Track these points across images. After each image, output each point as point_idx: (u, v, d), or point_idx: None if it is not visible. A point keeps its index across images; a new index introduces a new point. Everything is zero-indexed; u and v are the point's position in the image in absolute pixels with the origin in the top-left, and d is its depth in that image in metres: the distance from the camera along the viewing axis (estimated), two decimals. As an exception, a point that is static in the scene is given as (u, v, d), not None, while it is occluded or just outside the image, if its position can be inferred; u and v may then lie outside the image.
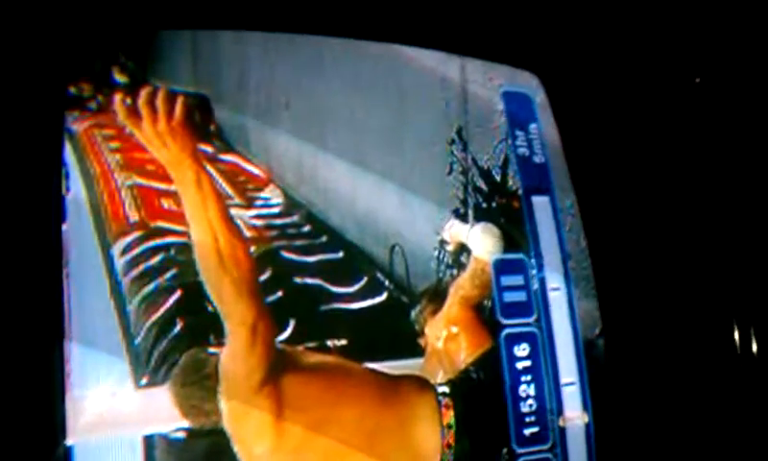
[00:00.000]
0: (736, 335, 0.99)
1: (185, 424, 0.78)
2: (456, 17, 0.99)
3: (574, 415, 0.91)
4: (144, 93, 0.83)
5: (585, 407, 0.92)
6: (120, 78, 0.85)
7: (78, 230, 0.80)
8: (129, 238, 0.83)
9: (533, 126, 0.99)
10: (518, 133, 0.98)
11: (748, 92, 1.05)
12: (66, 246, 0.78)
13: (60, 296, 0.77)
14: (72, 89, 0.83)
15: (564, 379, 0.91)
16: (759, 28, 1.05)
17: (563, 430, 0.90)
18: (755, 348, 0.99)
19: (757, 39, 1.05)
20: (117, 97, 0.83)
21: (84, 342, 0.78)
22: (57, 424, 0.75)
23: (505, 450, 0.87)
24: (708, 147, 1.04)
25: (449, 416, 0.85)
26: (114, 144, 0.86)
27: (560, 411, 0.90)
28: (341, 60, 0.93)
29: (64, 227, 0.79)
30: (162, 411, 0.79)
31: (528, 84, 1.02)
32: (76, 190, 0.82)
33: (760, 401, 0.97)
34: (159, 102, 0.83)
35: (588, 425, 0.91)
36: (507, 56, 1.02)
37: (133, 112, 0.83)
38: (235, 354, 0.80)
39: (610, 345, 0.95)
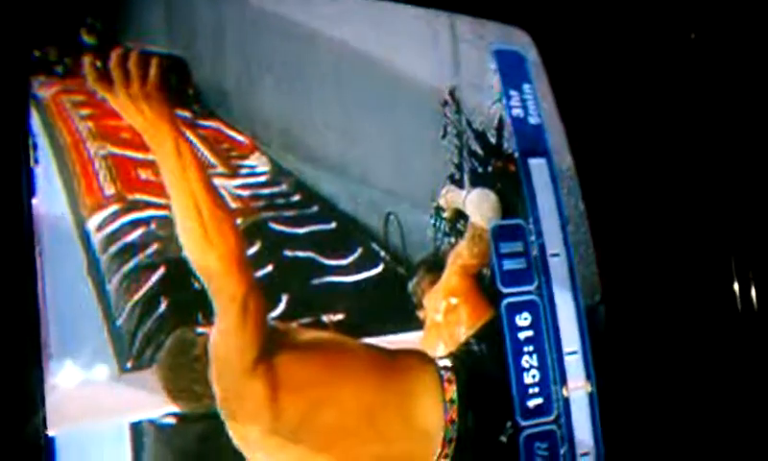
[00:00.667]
0: (738, 298, 0.97)
1: (175, 408, 0.74)
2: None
3: (577, 384, 0.88)
4: (115, 55, 0.77)
5: (588, 376, 0.89)
6: (88, 39, 0.79)
7: (49, 205, 0.74)
8: (105, 212, 0.77)
9: (527, 85, 0.95)
10: (512, 93, 0.94)
11: (742, 48, 1.02)
12: (38, 223, 0.72)
13: (33, 278, 0.71)
14: (36, 53, 0.77)
15: (566, 348, 0.88)
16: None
17: (566, 401, 0.87)
18: (756, 308, 0.97)
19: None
20: (86, 60, 0.76)
21: (62, 326, 0.72)
22: (36, 416, 0.69)
23: (509, 424, 0.84)
24: (704, 104, 1.01)
25: (452, 391, 0.82)
26: (85, 111, 0.80)
27: (563, 381, 0.87)
28: (328, 18, 0.87)
29: (35, 201, 0.73)
30: (150, 396, 0.74)
31: (520, 41, 0.98)
32: (45, 162, 0.76)
33: (762, 363, 0.96)
34: (132, 64, 0.77)
35: (591, 395, 0.89)
36: (496, 12, 0.98)
37: (104, 76, 0.77)
38: (226, 333, 0.75)
39: (610, 311, 0.92)
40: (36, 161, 0.75)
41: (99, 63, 0.77)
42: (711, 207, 0.98)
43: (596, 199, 0.94)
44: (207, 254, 0.76)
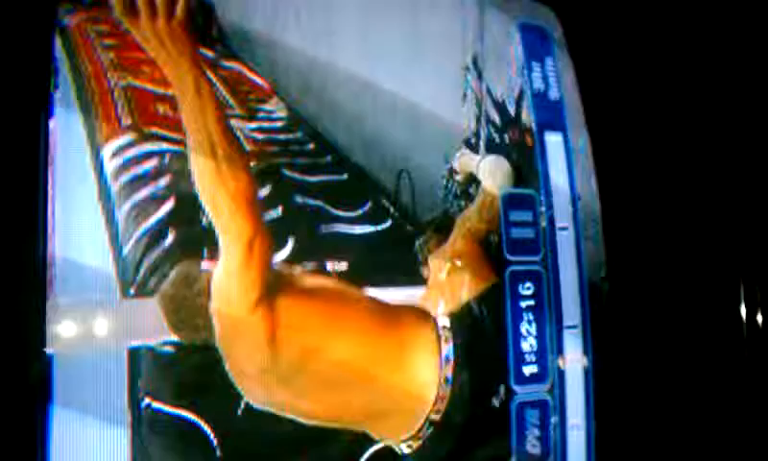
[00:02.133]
0: (741, 293, 0.97)
1: (174, 338, 0.74)
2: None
3: (574, 358, 0.88)
4: (144, -13, 0.77)
5: (585, 352, 0.89)
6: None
7: (66, 129, 0.75)
8: (120, 141, 0.78)
9: (549, 60, 0.95)
10: (535, 65, 0.94)
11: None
12: (53, 144, 0.73)
13: (44, 197, 0.72)
14: (63, -20, 0.78)
15: (566, 322, 0.89)
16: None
17: (562, 373, 0.88)
18: (759, 297, 0.96)
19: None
20: None
21: (69, 247, 0.73)
22: (37, 332, 0.70)
23: (503, 388, 0.84)
24: (724, 91, 1.00)
25: (448, 349, 0.82)
26: (109, 41, 0.81)
27: (560, 353, 0.88)
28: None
29: (51, 123, 0.74)
30: (150, 324, 0.75)
31: (545, 17, 0.98)
32: (65, 87, 0.77)
33: (760, 354, 0.95)
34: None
35: (587, 370, 0.89)
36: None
37: (131, 8, 0.77)
38: (230, 272, 0.76)
39: (614, 290, 0.92)
40: (56, 86, 0.76)
41: None
42: (723, 197, 0.98)
43: (609, 179, 0.94)
44: (218, 192, 0.77)
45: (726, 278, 0.96)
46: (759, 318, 0.96)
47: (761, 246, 0.97)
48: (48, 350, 0.71)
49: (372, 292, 0.82)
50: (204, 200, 0.77)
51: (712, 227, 0.97)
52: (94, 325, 0.74)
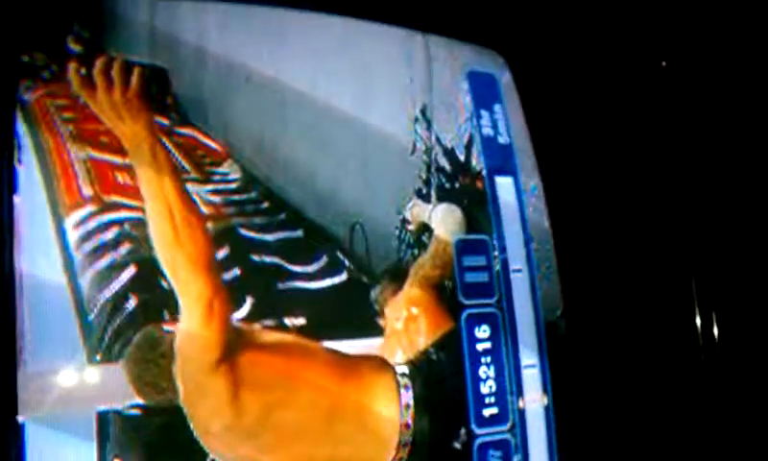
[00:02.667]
0: (697, 317, 0.99)
1: (140, 400, 0.77)
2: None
3: (534, 397, 0.91)
4: (99, 63, 0.80)
5: (545, 389, 0.92)
6: (75, 47, 0.83)
7: (30, 203, 0.78)
8: (82, 212, 0.81)
9: (498, 106, 0.98)
10: (483, 112, 0.97)
11: (712, 76, 1.05)
12: (18, 219, 0.76)
13: (11, 271, 0.75)
14: (25, 58, 0.81)
15: (524, 361, 0.91)
16: (723, 13, 1.05)
17: (522, 412, 0.90)
18: (715, 330, 0.99)
19: (721, 24, 1.05)
20: (71, 66, 0.80)
21: (37, 317, 0.76)
22: (8, 400, 0.73)
23: (464, 431, 0.87)
24: (673, 130, 1.03)
25: (408, 396, 0.84)
26: (68, 115, 0.84)
27: (520, 393, 0.90)
28: (303, 33, 0.91)
29: (16, 199, 0.76)
30: (117, 388, 0.77)
31: (493, 63, 1.01)
32: (28, 162, 0.80)
33: (720, 381, 0.98)
34: (115, 72, 0.80)
35: (547, 407, 0.91)
36: (472, 34, 1.01)
37: (88, 82, 0.80)
38: (191, 332, 0.78)
39: (571, 327, 0.95)
40: (20, 161, 0.79)
41: (84, 70, 0.81)
42: (674, 231, 1.00)
43: (562, 218, 0.97)
44: (177, 256, 0.79)
45: (681, 307, 0.99)
46: (716, 345, 0.99)
47: (715, 274, 1.00)
48: (20, 417, 0.73)
49: (331, 344, 0.84)
50: (164, 264, 0.79)
51: (666, 262, 0.99)
52: (63, 391, 0.76)
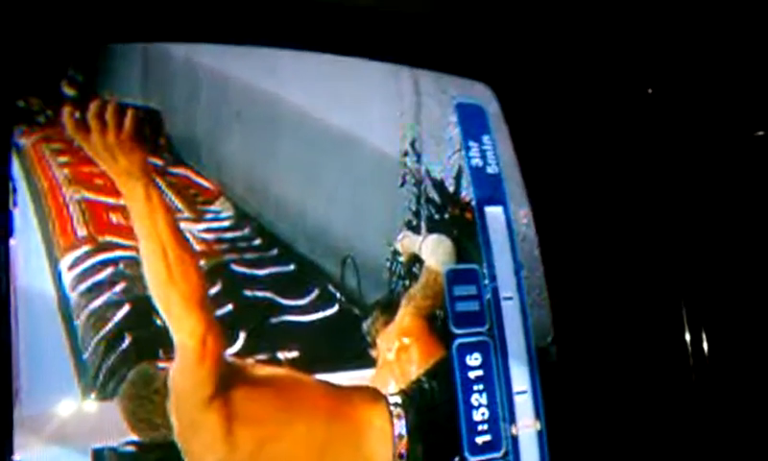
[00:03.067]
0: (688, 340, 1.00)
1: (135, 437, 0.78)
2: (411, 28, 1.00)
3: (527, 423, 0.92)
4: (93, 106, 0.82)
5: (537, 415, 0.92)
6: (69, 91, 0.85)
7: (26, 245, 0.80)
8: (77, 253, 0.83)
9: (486, 137, 1.00)
10: (472, 144, 0.99)
11: (698, 103, 1.07)
12: (14, 261, 0.78)
13: (6, 312, 0.76)
14: (20, 103, 0.83)
15: (516, 388, 0.92)
16: (709, 40, 1.06)
17: (515, 438, 0.91)
18: (706, 353, 1.00)
19: (707, 52, 1.07)
20: (66, 110, 0.82)
21: (32, 357, 0.77)
22: (4, 440, 0.74)
23: (457, 459, 0.87)
24: (660, 157, 1.05)
25: (401, 426, 0.85)
26: (63, 158, 0.86)
27: (512, 419, 0.91)
28: (292, 72, 0.93)
29: (12, 242, 0.78)
30: (112, 425, 0.78)
31: (481, 95, 1.03)
32: (23, 205, 0.82)
33: (713, 407, 0.98)
34: (109, 115, 0.82)
35: (540, 433, 0.92)
36: (460, 67, 1.03)
37: (82, 126, 0.82)
38: (184, 368, 0.80)
39: (562, 353, 0.96)
40: (15, 204, 0.80)
41: (78, 114, 0.82)
42: (664, 256, 1.02)
43: (551, 246, 0.98)
44: (171, 293, 0.81)
45: (671, 331, 1.00)
46: (707, 367, 0.99)
47: (706, 299, 1.01)
48: (16, 457, 0.74)
49: (324, 377, 0.85)
50: (158, 301, 0.81)
51: (657, 288, 1.01)
52: (59, 430, 0.77)
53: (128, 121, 0.83)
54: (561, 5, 1.06)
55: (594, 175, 1.02)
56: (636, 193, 1.03)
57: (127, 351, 0.80)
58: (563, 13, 1.06)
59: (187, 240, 0.84)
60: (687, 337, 1.00)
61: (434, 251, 0.92)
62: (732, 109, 1.05)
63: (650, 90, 1.07)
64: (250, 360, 0.83)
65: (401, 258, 0.92)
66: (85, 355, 0.79)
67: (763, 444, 0.98)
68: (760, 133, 1.05)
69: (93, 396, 0.78)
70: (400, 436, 0.85)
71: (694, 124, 1.05)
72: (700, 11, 1.04)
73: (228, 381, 0.81)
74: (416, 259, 0.92)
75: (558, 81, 1.06)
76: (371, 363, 0.89)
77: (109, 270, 0.83)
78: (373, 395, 0.87)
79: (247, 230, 0.90)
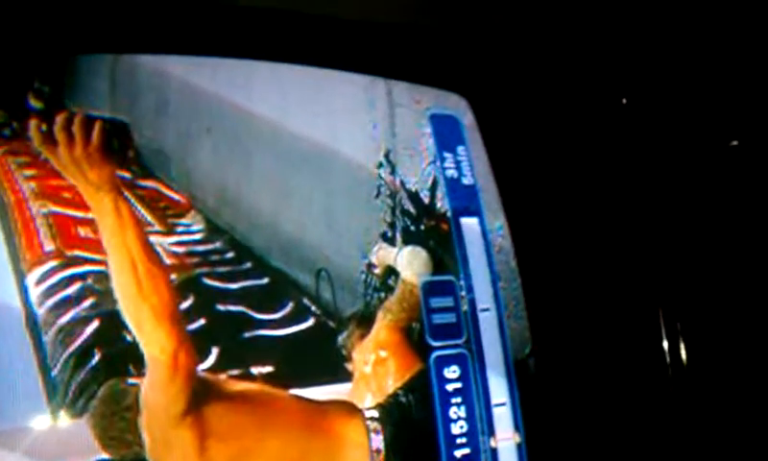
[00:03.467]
0: (666, 349, 1.00)
1: (106, 455, 0.76)
2: (384, 40, 0.99)
3: (506, 435, 0.91)
4: (60, 119, 0.80)
5: (516, 427, 0.91)
6: (35, 103, 0.83)
7: (-9, 261, 0.78)
8: (44, 267, 0.81)
9: (461, 148, 0.99)
10: (447, 155, 0.98)
11: (672, 113, 1.07)
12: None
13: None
14: (-16, 116, 0.81)
15: (494, 400, 0.91)
16: (684, 50, 1.07)
17: (494, 451, 0.90)
18: (684, 361, 1.00)
19: (682, 61, 1.08)
20: (32, 123, 0.80)
21: (-1, 375, 0.75)
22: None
23: (436, 473, 0.86)
24: (635, 168, 1.05)
25: (378, 440, 0.84)
26: (29, 172, 0.84)
27: (491, 432, 0.90)
28: (265, 83, 0.92)
29: (-23, 256, 0.76)
30: (82, 443, 0.76)
31: (456, 106, 1.02)
32: (-11, 219, 0.80)
33: (692, 415, 0.98)
34: (76, 128, 0.80)
35: (519, 446, 0.91)
36: (434, 78, 1.02)
37: (49, 138, 0.80)
38: (156, 384, 0.78)
39: (540, 364, 0.95)
40: (-20, 219, 0.79)
41: (44, 127, 0.81)
42: (640, 264, 1.02)
43: (528, 255, 0.98)
44: (141, 308, 0.79)
45: (649, 341, 1.00)
46: (685, 374, 0.99)
47: (684, 309, 1.01)
48: (-19, 478, 0.72)
49: (299, 392, 0.84)
50: (128, 316, 0.79)
51: (634, 295, 1.00)
52: (27, 449, 0.75)
53: (95, 133, 0.81)
54: (536, 16, 1.06)
55: (570, 185, 1.02)
56: (612, 202, 1.02)
57: (97, 367, 0.78)
58: (538, 24, 1.06)
59: (158, 253, 0.83)
60: (665, 345, 0.99)
61: (410, 262, 0.91)
62: (707, 118, 1.05)
63: (624, 100, 1.07)
64: (223, 375, 0.82)
65: (377, 270, 0.91)
66: (54, 372, 0.77)
67: (742, 453, 0.97)
68: (735, 142, 1.06)
69: (63, 413, 0.76)
70: (377, 451, 0.84)
71: (669, 134, 1.05)
72: (674, 20, 1.05)
73: (200, 397, 0.79)
74: (391, 271, 0.91)
75: (532, 90, 1.05)
76: (347, 377, 0.88)
77: (78, 285, 0.81)
78: (350, 409, 0.85)
79: (219, 244, 0.89)
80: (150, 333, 0.79)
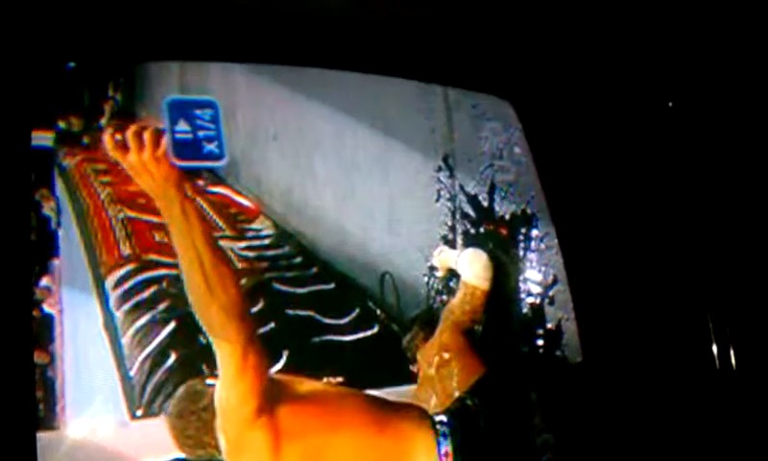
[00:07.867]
0: (715, 357, 1.00)
1: (182, 454, 0.78)
2: (436, 49, 1.01)
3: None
4: (132, 126, 0.82)
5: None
6: (109, 112, 0.86)
7: (70, 265, 0.81)
8: (122, 271, 0.84)
9: (514, 152, 1.01)
10: (502, 159, 0.99)
11: (719, 117, 1.07)
12: (59, 281, 0.79)
13: (52, 331, 0.77)
14: (62, 124, 0.84)
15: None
16: (729, 54, 1.07)
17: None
18: (734, 365, 1.00)
19: (727, 65, 1.08)
20: (107, 130, 0.83)
21: (78, 376, 0.78)
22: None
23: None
24: (683, 171, 1.05)
25: (447, 444, 0.85)
26: (105, 178, 0.87)
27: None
28: (328, 91, 0.94)
29: (56, 262, 0.79)
30: (159, 442, 0.79)
31: (505, 111, 1.03)
32: (67, 224, 0.83)
33: (742, 418, 0.99)
34: (147, 134, 0.82)
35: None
36: (486, 86, 1.03)
37: (122, 144, 0.83)
38: (227, 382, 0.80)
39: (591, 372, 0.96)
40: (60, 224, 0.81)
41: (118, 134, 0.83)
42: (690, 269, 1.02)
43: (577, 261, 0.98)
44: (209, 306, 0.80)
45: (699, 347, 1.00)
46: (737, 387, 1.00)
47: (733, 318, 1.01)
48: (64, 475, 0.75)
49: (367, 393, 0.86)
50: (199, 316, 0.80)
51: (684, 302, 1.01)
52: (106, 447, 0.78)
53: (164, 139, 0.83)
54: (580, 22, 1.06)
55: (617, 188, 1.03)
56: (658, 206, 1.03)
57: (172, 368, 0.81)
58: (581, 31, 1.06)
59: (224, 253, 0.84)
60: (715, 350, 1.00)
61: (470, 265, 0.92)
62: (754, 120, 1.05)
63: (671, 104, 1.08)
64: (293, 377, 0.84)
65: (438, 274, 0.93)
66: (131, 373, 0.80)
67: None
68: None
69: (140, 413, 0.79)
70: (446, 454, 0.85)
71: (719, 139, 1.05)
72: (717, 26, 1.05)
73: (272, 398, 0.81)
74: (453, 274, 0.93)
75: (579, 97, 1.06)
76: (411, 379, 0.89)
77: (153, 288, 0.84)
78: (418, 411, 0.87)
79: (287, 248, 0.91)
80: (219, 332, 0.80)
